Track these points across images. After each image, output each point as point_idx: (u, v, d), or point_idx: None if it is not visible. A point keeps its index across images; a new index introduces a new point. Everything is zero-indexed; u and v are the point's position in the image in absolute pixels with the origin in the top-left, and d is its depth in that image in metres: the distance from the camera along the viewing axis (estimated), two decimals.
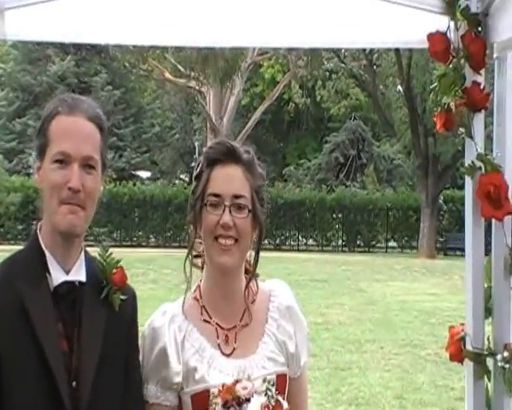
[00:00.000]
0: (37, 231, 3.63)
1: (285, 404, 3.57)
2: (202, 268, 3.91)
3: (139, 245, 46.89)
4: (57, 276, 3.54)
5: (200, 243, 3.83)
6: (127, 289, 3.78)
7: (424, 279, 32.55)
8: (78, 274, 3.60)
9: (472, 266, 4.23)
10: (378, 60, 56.55)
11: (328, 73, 58.39)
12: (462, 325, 4.26)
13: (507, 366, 4.04)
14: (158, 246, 49.99)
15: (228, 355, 3.78)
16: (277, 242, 56.74)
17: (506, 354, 4.06)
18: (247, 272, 3.90)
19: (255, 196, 3.73)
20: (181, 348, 3.74)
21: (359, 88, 59.24)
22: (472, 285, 4.23)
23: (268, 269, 21.10)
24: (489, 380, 4.20)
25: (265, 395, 3.58)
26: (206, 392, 3.67)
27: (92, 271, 3.66)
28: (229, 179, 3.71)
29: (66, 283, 3.56)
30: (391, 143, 63.83)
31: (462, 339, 4.22)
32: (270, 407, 3.52)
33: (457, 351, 4.24)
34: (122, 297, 3.70)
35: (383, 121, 58.97)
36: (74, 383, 3.50)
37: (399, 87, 55.08)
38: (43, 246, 3.58)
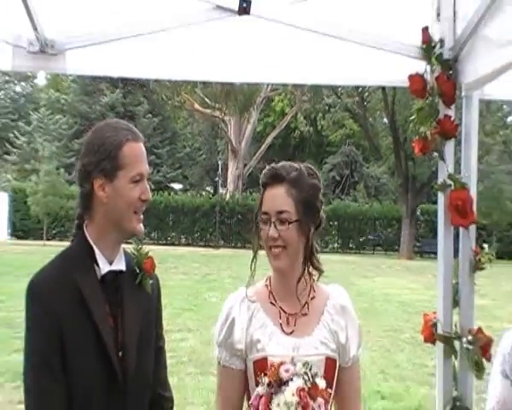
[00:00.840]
0: (85, 231, 3.64)
1: (322, 384, 3.49)
2: None
3: (172, 244, 46.81)
4: (104, 266, 3.60)
5: None
6: (153, 275, 3.84)
7: (404, 276, 32.60)
8: (120, 264, 3.66)
9: (443, 265, 4.28)
10: (368, 97, 56.77)
11: (327, 107, 58.60)
12: (434, 313, 4.30)
13: (470, 347, 4.08)
14: (187, 245, 49.99)
15: (287, 334, 3.75)
16: None
17: (470, 337, 4.11)
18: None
19: (301, 207, 3.71)
20: (248, 323, 3.75)
21: (352, 119, 59.48)
22: (443, 281, 4.28)
23: None
24: (456, 358, 4.22)
25: (303, 378, 3.49)
26: (265, 360, 3.66)
27: (128, 262, 3.70)
28: (273, 199, 3.73)
29: (110, 272, 3.61)
30: (378, 165, 63.90)
31: (434, 325, 4.26)
32: (306, 390, 3.44)
33: (430, 335, 4.27)
34: (151, 282, 3.78)
35: (372, 147, 59.23)
36: (120, 353, 3.55)
37: (385, 119, 55.18)
38: (91, 242, 3.59)
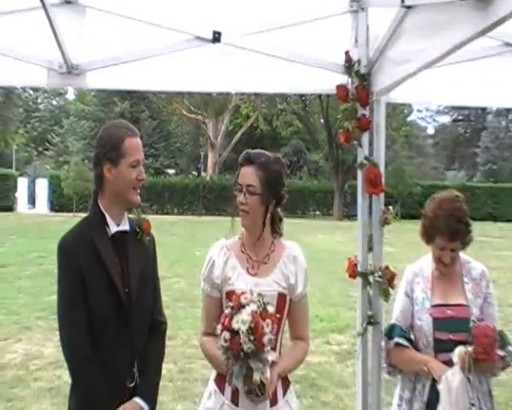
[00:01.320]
0: (99, 203, 3.72)
1: (271, 309, 3.54)
2: None
3: (167, 214, 46.44)
4: (113, 228, 3.70)
5: None
6: (150, 235, 3.90)
7: (336, 233, 32.41)
8: (125, 226, 3.76)
9: (361, 222, 4.36)
10: (309, 103, 56.75)
11: (280, 111, 58.42)
12: (355, 257, 4.39)
13: (380, 279, 4.28)
14: (179, 214, 49.65)
15: (251, 275, 3.85)
16: None
17: (380, 273, 4.30)
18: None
19: (264, 184, 3.81)
20: (223, 265, 3.86)
21: (298, 120, 59.23)
22: (361, 234, 4.36)
23: None
24: (370, 288, 4.34)
25: (257, 304, 3.52)
26: (233, 292, 3.71)
27: (131, 225, 3.79)
28: (244, 175, 3.83)
29: (118, 232, 3.70)
30: (317, 153, 63.69)
31: (355, 265, 4.37)
32: (258, 312, 3.46)
33: (353, 272, 4.38)
34: (148, 238, 3.85)
35: (312, 140, 59.38)
36: (126, 290, 3.62)
37: (322, 120, 55.17)
38: (103, 210, 3.69)
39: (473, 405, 4.03)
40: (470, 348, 3.90)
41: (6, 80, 4.66)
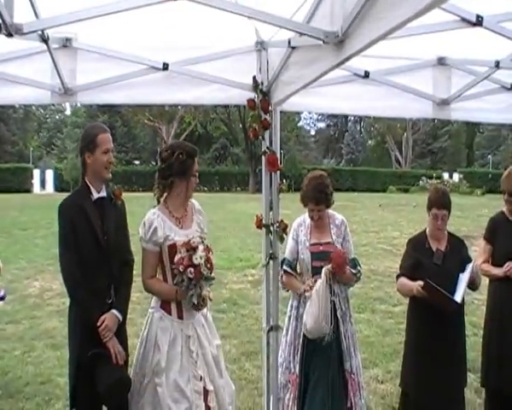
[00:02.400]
0: (85, 179, 3.71)
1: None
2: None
3: (134, 191, 45.38)
4: (95, 195, 3.67)
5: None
6: (121, 199, 3.89)
7: (251, 202, 32.26)
8: (103, 193, 3.73)
9: (264, 191, 4.39)
10: (232, 113, 56.23)
11: (211, 119, 57.95)
12: (261, 215, 4.36)
13: (278, 229, 4.25)
14: (143, 192, 48.62)
15: (181, 228, 3.76)
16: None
17: (277, 224, 4.27)
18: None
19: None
20: (163, 225, 3.70)
21: (224, 125, 58.83)
22: (264, 199, 4.35)
23: None
24: (271, 235, 4.32)
25: (202, 244, 3.60)
26: (175, 244, 3.65)
27: (108, 193, 3.77)
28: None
29: (99, 198, 3.68)
30: (237, 148, 63.38)
31: (261, 220, 4.34)
32: (208, 248, 3.60)
33: (259, 225, 4.34)
34: (119, 202, 3.84)
35: (234, 139, 59.02)
36: (105, 237, 3.62)
37: (240, 125, 54.84)
38: (88, 183, 3.68)
39: (332, 301, 4.19)
40: (329, 266, 4.08)
41: (23, 99, 4.52)
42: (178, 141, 3.90)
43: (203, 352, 3.75)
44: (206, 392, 3.68)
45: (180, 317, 3.72)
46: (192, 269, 3.50)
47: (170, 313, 3.72)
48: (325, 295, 4.10)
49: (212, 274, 3.64)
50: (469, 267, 4.31)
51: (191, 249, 3.55)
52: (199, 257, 3.52)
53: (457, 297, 4.16)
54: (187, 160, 3.75)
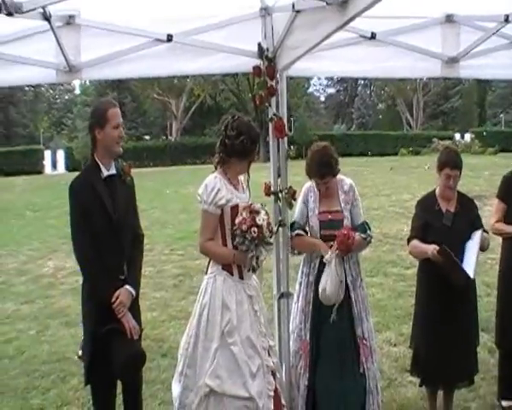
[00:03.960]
0: (94, 156, 3.70)
1: None
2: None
3: (145, 167, 45.25)
4: (105, 172, 3.68)
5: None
6: (131, 176, 3.89)
7: (261, 171, 32.23)
8: (112, 171, 3.73)
9: (272, 157, 4.36)
10: (241, 83, 55.55)
11: (221, 90, 57.49)
12: (270, 182, 4.35)
13: (286, 195, 4.25)
14: (154, 166, 48.44)
15: (239, 192, 3.83)
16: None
17: (286, 190, 4.25)
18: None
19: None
20: (226, 189, 3.74)
21: (234, 96, 58.37)
22: (272, 166, 4.35)
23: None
24: (280, 201, 4.31)
25: (262, 209, 3.71)
26: (237, 205, 3.72)
27: (117, 169, 3.76)
28: None
29: (108, 175, 3.69)
30: (248, 117, 62.94)
31: (270, 187, 4.35)
32: (268, 214, 3.72)
33: (268, 192, 4.35)
34: (129, 178, 3.85)
35: (244, 109, 57.73)
36: (116, 214, 3.62)
37: (250, 94, 54.38)
38: (98, 161, 3.67)
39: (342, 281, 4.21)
40: (336, 250, 4.09)
41: (28, 80, 4.64)
42: (245, 122, 3.86)
43: (262, 312, 3.89)
44: (269, 348, 3.86)
45: (241, 277, 3.80)
46: (255, 229, 3.58)
47: (232, 274, 3.77)
48: (339, 267, 4.14)
49: (272, 239, 3.76)
50: (477, 236, 4.30)
51: (254, 212, 3.65)
52: (261, 219, 3.62)
53: (470, 271, 4.15)
54: (251, 146, 3.80)
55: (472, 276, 4.16)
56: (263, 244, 3.68)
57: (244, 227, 3.58)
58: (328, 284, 4.11)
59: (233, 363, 3.60)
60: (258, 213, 3.64)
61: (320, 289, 4.18)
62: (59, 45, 3.96)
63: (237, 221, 3.64)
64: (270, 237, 3.72)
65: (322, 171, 4.22)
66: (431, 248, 4.18)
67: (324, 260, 4.18)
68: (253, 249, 3.64)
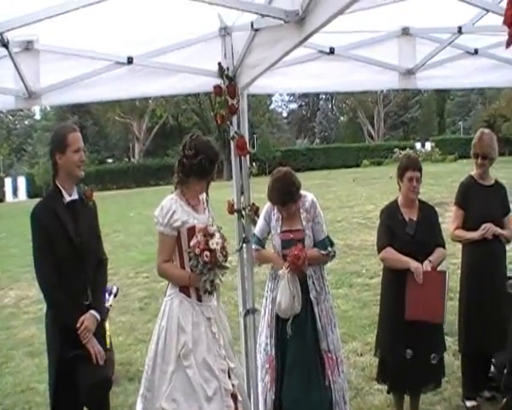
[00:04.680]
0: (56, 181, 3.69)
1: None
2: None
3: (109, 190, 44.91)
4: (67, 198, 3.66)
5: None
6: (92, 200, 3.88)
7: (224, 189, 32.09)
8: (74, 196, 3.72)
9: (235, 175, 4.35)
10: (203, 102, 55.37)
11: (183, 110, 57.26)
12: (233, 200, 4.32)
13: (250, 212, 4.29)
14: (117, 189, 47.93)
15: (198, 213, 3.77)
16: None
17: (249, 207, 4.28)
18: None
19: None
20: (181, 210, 3.69)
21: (196, 115, 58.20)
22: (235, 184, 4.33)
23: None
24: (243, 219, 4.33)
25: (219, 232, 3.70)
26: (193, 227, 3.68)
27: (79, 194, 3.75)
28: None
29: (71, 200, 3.67)
30: (210, 136, 62.41)
31: (233, 205, 4.34)
32: (224, 237, 3.70)
33: (231, 210, 4.34)
34: (91, 202, 3.84)
35: (206, 128, 58.02)
36: (79, 239, 3.61)
37: (212, 113, 54.39)
38: (60, 186, 3.66)
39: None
40: (287, 268, 4.23)
41: None
42: (204, 141, 3.84)
43: (222, 334, 3.83)
44: (229, 370, 3.78)
45: (199, 300, 3.75)
46: (208, 253, 3.56)
47: (189, 296, 3.73)
48: (292, 283, 4.23)
49: (227, 263, 3.71)
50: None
51: (208, 235, 3.62)
52: (215, 243, 3.59)
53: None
54: (209, 166, 3.78)
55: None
56: (216, 268, 3.66)
57: (197, 251, 3.58)
58: (283, 298, 4.23)
59: (188, 387, 3.56)
60: (212, 236, 3.61)
61: (276, 304, 4.30)
62: (18, 71, 3.91)
63: (192, 243, 3.63)
64: (225, 262, 3.67)
65: (284, 199, 4.32)
66: (413, 265, 4.29)
67: (279, 275, 4.29)
68: (207, 273, 3.62)
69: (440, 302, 4.32)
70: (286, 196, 4.30)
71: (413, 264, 4.30)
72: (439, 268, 4.48)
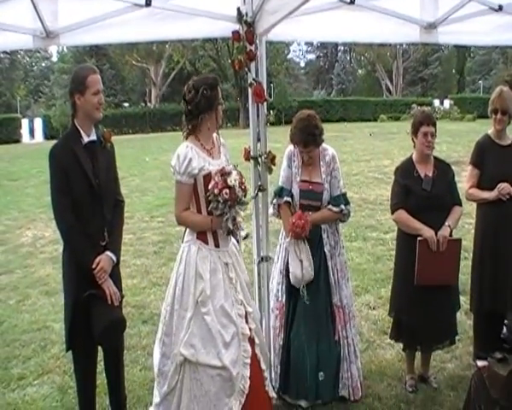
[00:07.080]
0: (75, 122, 3.67)
1: None
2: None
3: (124, 134, 45.05)
4: (85, 139, 3.63)
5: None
6: (111, 142, 3.87)
7: (241, 137, 32.05)
8: (93, 137, 3.69)
9: (252, 123, 4.24)
10: (220, 49, 54.85)
11: (200, 56, 56.83)
12: (249, 147, 4.26)
13: (266, 160, 4.20)
14: (133, 134, 48.07)
15: (213, 158, 3.70)
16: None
17: (265, 155, 4.21)
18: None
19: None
20: (197, 157, 3.61)
21: (213, 61, 57.63)
22: (252, 131, 4.24)
23: None
24: (260, 166, 4.25)
25: (235, 169, 3.64)
26: (210, 174, 3.60)
27: (98, 136, 3.73)
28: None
29: (89, 141, 3.65)
30: (227, 83, 61.79)
31: (249, 152, 4.26)
32: (241, 174, 3.65)
33: (247, 157, 4.27)
34: (109, 144, 3.82)
35: (223, 75, 57.46)
36: (97, 180, 3.61)
37: (229, 60, 53.61)
38: (78, 127, 3.63)
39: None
40: (289, 237, 4.34)
41: (5, 46, 4.65)
42: (197, 77, 3.75)
43: (239, 278, 3.81)
44: (246, 315, 3.76)
45: (217, 245, 3.71)
46: (227, 190, 3.52)
47: (207, 243, 3.69)
48: (297, 248, 4.27)
49: (247, 198, 3.71)
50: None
51: (225, 174, 3.58)
52: (233, 179, 3.55)
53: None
54: (212, 93, 3.66)
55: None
56: (237, 205, 3.63)
57: (216, 191, 3.54)
58: (293, 266, 4.29)
59: (206, 332, 3.56)
60: (229, 174, 3.58)
61: (290, 275, 4.33)
62: (36, 10, 3.87)
63: (210, 186, 3.59)
64: (244, 196, 3.65)
65: (306, 140, 4.25)
66: (427, 234, 4.25)
67: (287, 240, 4.36)
68: (227, 212, 3.58)
69: (454, 268, 4.32)
70: (309, 136, 4.25)
71: (427, 232, 4.26)
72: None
